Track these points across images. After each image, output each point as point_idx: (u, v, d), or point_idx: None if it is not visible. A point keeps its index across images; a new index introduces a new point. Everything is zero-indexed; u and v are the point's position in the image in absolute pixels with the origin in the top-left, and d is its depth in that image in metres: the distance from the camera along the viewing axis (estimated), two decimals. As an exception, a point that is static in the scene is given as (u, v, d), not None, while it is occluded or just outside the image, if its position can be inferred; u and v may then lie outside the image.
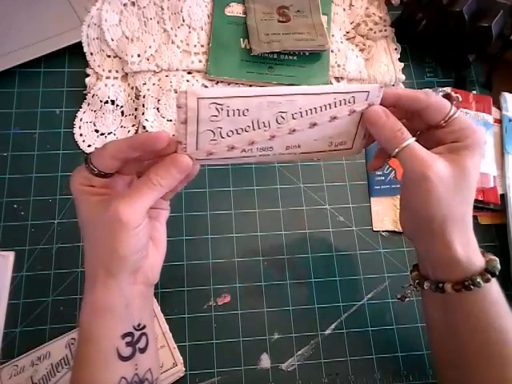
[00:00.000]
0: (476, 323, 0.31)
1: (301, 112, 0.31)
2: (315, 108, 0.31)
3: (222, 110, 0.29)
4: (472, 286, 0.30)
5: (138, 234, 0.29)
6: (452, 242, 0.30)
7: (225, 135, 0.30)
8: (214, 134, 0.30)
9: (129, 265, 0.29)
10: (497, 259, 0.31)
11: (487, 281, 0.30)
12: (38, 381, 0.38)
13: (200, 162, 0.31)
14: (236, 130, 0.30)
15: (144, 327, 0.31)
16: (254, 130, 0.30)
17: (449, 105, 0.31)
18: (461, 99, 0.31)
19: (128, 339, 0.30)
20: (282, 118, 0.30)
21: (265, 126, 0.30)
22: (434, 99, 0.31)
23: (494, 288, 0.31)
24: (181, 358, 0.40)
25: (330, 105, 0.31)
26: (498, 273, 0.31)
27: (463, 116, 0.31)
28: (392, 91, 0.32)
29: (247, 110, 0.29)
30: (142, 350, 0.30)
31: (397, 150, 0.30)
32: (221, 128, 0.30)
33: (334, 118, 0.32)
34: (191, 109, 0.28)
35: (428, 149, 0.31)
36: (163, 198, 0.34)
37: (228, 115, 0.29)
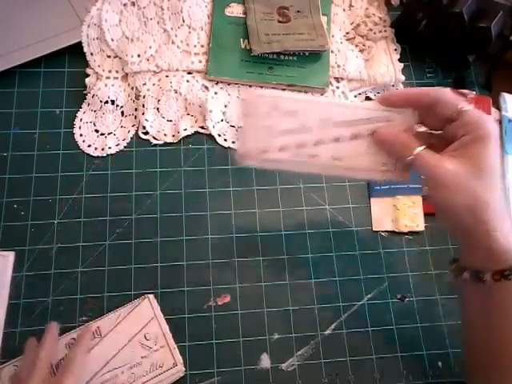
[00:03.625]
0: None
1: (342, 122, 0.35)
2: (355, 120, 0.35)
3: (276, 108, 0.34)
4: (511, 276, 0.30)
5: None
6: (490, 232, 0.30)
7: (277, 134, 0.35)
8: (268, 131, 0.35)
9: None
10: None
11: None
12: (37, 381, 0.38)
13: (254, 162, 0.36)
14: (287, 131, 0.35)
15: None
16: (301, 133, 0.35)
17: (459, 98, 0.32)
18: (472, 95, 0.32)
19: None
20: (326, 124, 0.35)
21: (310, 131, 0.35)
22: (443, 92, 0.32)
23: None
24: (181, 358, 0.40)
25: (368, 119, 0.35)
26: None
27: (475, 110, 0.32)
28: (400, 93, 0.34)
29: (296, 112, 0.35)
30: None
31: (408, 160, 0.32)
32: (274, 126, 0.35)
33: (373, 133, 0.35)
34: (252, 104, 0.35)
35: (445, 147, 0.32)
36: None
37: (280, 115, 0.35)
